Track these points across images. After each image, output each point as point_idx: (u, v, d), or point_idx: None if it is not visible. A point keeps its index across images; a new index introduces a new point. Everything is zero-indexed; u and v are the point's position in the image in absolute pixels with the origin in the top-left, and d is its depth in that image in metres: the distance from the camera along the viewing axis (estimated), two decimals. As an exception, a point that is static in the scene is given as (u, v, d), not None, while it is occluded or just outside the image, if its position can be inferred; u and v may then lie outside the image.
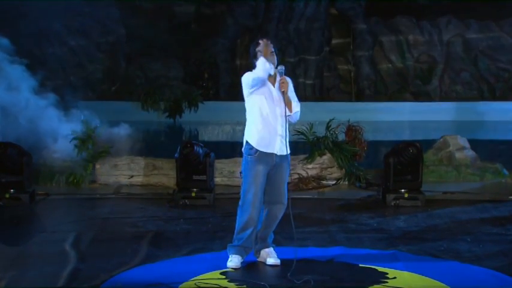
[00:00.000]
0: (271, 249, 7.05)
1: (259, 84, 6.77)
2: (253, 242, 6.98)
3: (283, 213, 7.01)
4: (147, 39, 25.84)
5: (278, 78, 6.87)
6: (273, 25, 27.08)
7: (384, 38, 26.99)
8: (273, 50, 6.90)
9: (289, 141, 7.01)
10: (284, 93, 6.81)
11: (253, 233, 6.92)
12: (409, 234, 8.51)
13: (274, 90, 6.86)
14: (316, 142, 11.55)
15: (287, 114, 6.80)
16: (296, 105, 6.90)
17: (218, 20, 27.14)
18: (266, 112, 6.81)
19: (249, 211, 6.84)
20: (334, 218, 9.36)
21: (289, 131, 6.95)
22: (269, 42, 6.95)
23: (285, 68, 6.91)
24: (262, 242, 7.04)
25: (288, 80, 6.88)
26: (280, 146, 6.85)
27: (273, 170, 6.88)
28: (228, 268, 6.84)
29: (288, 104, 6.82)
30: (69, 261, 7.22)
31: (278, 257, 7.00)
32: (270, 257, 6.97)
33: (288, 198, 7.00)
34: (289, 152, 6.95)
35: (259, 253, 7.05)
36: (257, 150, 6.83)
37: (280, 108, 6.82)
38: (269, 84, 6.87)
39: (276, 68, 6.87)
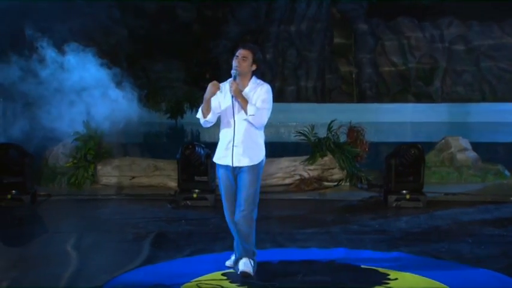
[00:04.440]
0: (244, 260, 6.65)
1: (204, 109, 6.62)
2: None
3: (245, 225, 6.56)
4: (149, 40, 25.86)
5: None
6: (274, 26, 27.09)
7: (385, 39, 27.01)
8: (237, 55, 6.56)
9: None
10: (235, 97, 6.50)
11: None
12: (411, 236, 8.50)
13: (233, 99, 6.55)
14: (318, 143, 11.56)
15: (243, 118, 6.51)
16: (251, 109, 6.48)
17: (220, 21, 27.18)
18: (223, 123, 6.65)
19: (225, 216, 6.75)
20: (336, 219, 9.36)
21: (255, 141, 6.58)
22: (241, 50, 6.58)
23: (236, 72, 6.52)
24: (236, 251, 6.77)
25: (260, 85, 6.58)
26: (236, 157, 6.55)
27: (236, 178, 6.65)
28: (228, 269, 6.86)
29: (244, 107, 6.49)
30: (71, 262, 7.23)
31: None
32: (240, 265, 6.62)
33: (247, 209, 6.56)
34: (250, 163, 6.56)
35: (237, 263, 6.75)
36: (215, 161, 6.74)
37: (238, 117, 6.53)
38: (228, 95, 6.57)
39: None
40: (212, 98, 6.56)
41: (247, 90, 6.58)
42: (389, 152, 10.67)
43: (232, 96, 6.52)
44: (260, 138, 6.67)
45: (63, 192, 11.03)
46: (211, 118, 6.64)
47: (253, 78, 6.64)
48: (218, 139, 6.72)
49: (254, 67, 6.61)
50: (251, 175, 6.58)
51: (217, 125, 6.85)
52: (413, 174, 10.33)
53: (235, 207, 6.64)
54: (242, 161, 6.57)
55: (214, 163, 6.80)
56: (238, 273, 6.60)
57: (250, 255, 6.67)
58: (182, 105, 23.34)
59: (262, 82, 6.67)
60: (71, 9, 23.24)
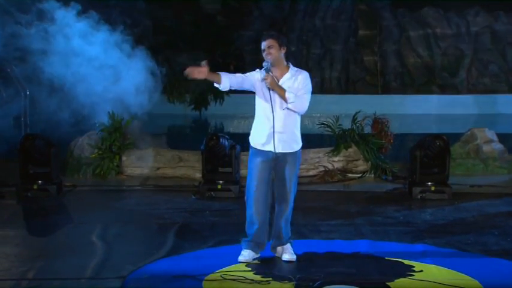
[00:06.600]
0: (287, 245, 6.92)
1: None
2: (265, 237, 6.89)
3: (288, 212, 6.84)
4: (173, 31, 25.90)
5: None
6: (299, 17, 27.01)
7: (410, 30, 26.81)
8: (263, 48, 6.68)
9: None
10: (270, 90, 6.61)
11: (263, 228, 6.82)
12: (436, 228, 8.46)
13: (271, 91, 6.65)
14: (342, 135, 11.54)
15: (283, 107, 6.61)
16: (292, 97, 6.58)
17: (244, 12, 27.14)
18: (261, 109, 6.72)
19: (252, 205, 6.82)
20: (360, 211, 9.34)
21: (296, 128, 6.72)
22: (264, 42, 6.72)
23: (268, 64, 6.64)
24: (277, 239, 6.92)
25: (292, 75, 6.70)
26: (277, 144, 6.65)
27: (276, 166, 6.72)
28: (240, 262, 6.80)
29: (283, 96, 6.59)
30: (96, 252, 7.28)
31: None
32: (285, 253, 6.87)
33: (292, 197, 6.82)
34: (292, 150, 6.73)
35: (276, 249, 6.96)
36: (253, 147, 6.80)
37: (278, 104, 6.63)
38: (263, 84, 6.66)
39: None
40: (247, 74, 6.71)
41: (287, 78, 6.72)
42: (414, 143, 10.62)
43: (269, 89, 6.60)
44: (298, 126, 6.80)
45: (88, 183, 11.11)
46: (226, 86, 6.64)
47: (291, 65, 6.78)
48: (252, 126, 6.83)
49: (284, 50, 6.73)
50: (292, 164, 6.74)
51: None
52: (439, 166, 10.27)
53: (269, 198, 6.80)
54: (285, 147, 6.69)
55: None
56: (284, 260, 6.81)
57: (288, 239, 6.89)
58: (206, 97, 23.36)
59: (300, 70, 6.82)
60: None
